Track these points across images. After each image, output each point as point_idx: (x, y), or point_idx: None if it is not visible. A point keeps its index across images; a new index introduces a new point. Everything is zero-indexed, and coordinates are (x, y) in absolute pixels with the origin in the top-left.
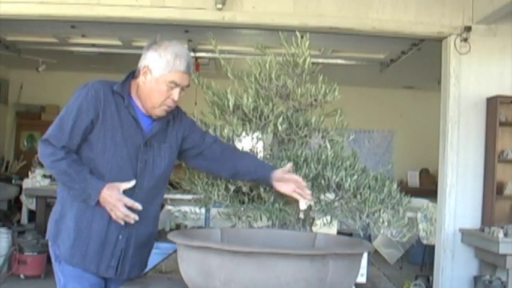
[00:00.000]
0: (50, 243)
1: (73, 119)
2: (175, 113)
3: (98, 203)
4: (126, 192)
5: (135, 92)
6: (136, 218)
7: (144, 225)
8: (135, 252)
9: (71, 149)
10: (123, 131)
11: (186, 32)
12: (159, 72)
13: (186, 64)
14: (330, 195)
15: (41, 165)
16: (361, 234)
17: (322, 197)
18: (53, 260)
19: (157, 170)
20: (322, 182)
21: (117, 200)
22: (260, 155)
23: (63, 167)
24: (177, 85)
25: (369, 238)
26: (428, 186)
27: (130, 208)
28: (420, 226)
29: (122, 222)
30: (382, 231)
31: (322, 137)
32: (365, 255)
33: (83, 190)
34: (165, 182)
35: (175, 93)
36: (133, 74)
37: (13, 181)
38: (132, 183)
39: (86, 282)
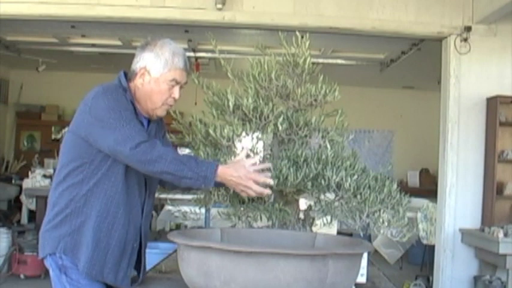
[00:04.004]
0: (52, 256)
1: (130, 115)
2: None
3: (127, 208)
4: (138, 198)
5: (133, 95)
6: (270, 192)
7: (147, 227)
8: (143, 258)
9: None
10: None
11: (186, 32)
12: (159, 72)
13: (183, 61)
14: (330, 195)
15: (41, 165)
16: (361, 234)
17: (322, 197)
18: (55, 271)
19: None
20: (322, 182)
21: (247, 179)
22: (260, 155)
23: (170, 156)
24: (177, 83)
25: (369, 238)
26: (428, 186)
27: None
28: (420, 226)
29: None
30: (382, 231)
31: (322, 137)
32: (365, 255)
33: (196, 175)
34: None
35: (176, 92)
36: (125, 76)
37: (13, 181)
38: (268, 165)
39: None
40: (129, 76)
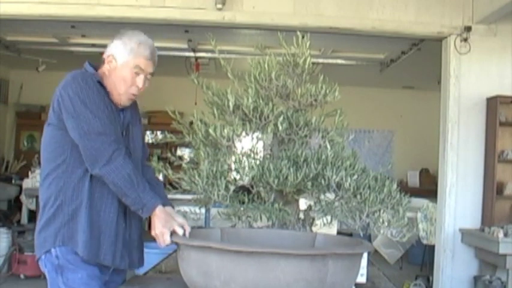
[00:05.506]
0: (46, 255)
1: (102, 108)
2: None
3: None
4: None
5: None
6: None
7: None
8: (138, 242)
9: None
10: (110, 121)
11: (186, 32)
12: (124, 59)
13: (150, 51)
14: (330, 195)
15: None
16: (361, 234)
17: (322, 197)
18: (50, 273)
19: (136, 153)
20: (322, 182)
21: (159, 234)
22: (260, 154)
23: (126, 171)
24: (141, 70)
25: (369, 238)
26: (428, 186)
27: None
28: (420, 226)
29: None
30: (382, 231)
31: (322, 137)
32: (365, 255)
33: (139, 199)
34: (143, 166)
35: (140, 81)
36: (91, 65)
37: (13, 181)
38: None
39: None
40: (100, 64)
